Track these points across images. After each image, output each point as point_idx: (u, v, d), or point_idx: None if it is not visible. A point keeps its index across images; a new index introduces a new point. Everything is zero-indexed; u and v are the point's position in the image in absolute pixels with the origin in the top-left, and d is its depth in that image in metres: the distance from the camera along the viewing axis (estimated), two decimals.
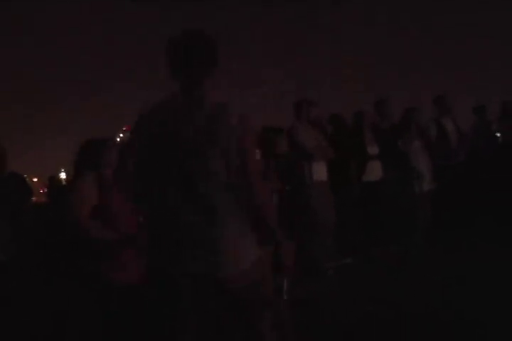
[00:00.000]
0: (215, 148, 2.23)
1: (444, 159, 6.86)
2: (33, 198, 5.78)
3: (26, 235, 3.14)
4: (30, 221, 3.50)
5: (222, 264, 2.19)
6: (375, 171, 6.37)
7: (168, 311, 2.24)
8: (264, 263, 2.36)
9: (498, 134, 8.05)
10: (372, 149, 6.42)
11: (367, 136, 6.47)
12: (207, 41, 2.34)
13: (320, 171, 5.83)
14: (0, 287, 2.67)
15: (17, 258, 2.80)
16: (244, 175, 2.26)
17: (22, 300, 2.88)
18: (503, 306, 4.10)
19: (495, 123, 7.90)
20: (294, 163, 5.69)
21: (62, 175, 12.88)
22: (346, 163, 6.17)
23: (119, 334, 2.96)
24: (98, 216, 3.14)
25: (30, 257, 3.05)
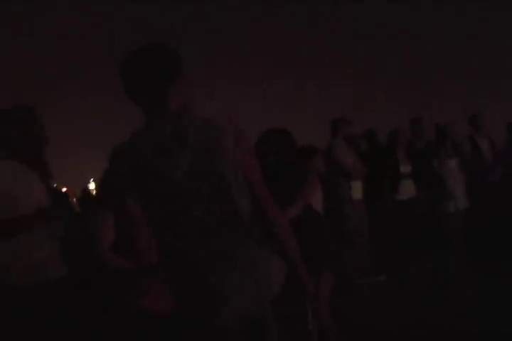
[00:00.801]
0: (214, 184, 1.94)
1: (480, 177, 6.84)
2: None
3: (74, 252, 3.19)
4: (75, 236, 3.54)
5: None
6: (407, 190, 6.39)
7: None
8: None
9: None
10: (406, 168, 6.43)
11: (400, 154, 6.48)
12: (159, 52, 2.03)
13: (356, 189, 5.87)
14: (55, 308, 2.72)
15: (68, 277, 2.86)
16: (255, 205, 2.00)
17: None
18: None
19: None
20: (332, 182, 5.73)
21: (92, 186, 12.93)
22: (379, 181, 6.19)
23: None
24: (120, 247, 3.19)
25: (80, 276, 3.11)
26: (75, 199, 9.27)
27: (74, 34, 12.94)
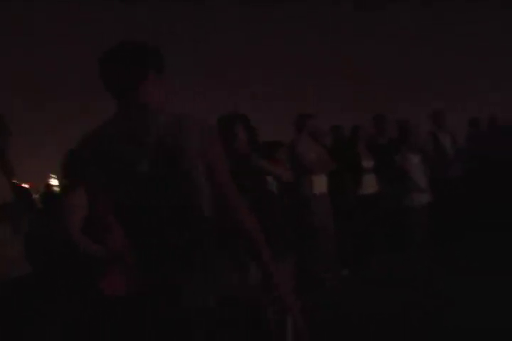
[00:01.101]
0: (178, 177, 1.96)
1: (441, 173, 6.97)
2: None
3: (38, 248, 3.16)
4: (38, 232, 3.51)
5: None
6: (370, 184, 6.48)
7: None
8: None
9: None
10: (368, 163, 6.51)
11: (362, 149, 6.56)
12: (131, 49, 2.08)
13: (320, 183, 5.91)
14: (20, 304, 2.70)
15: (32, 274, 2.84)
16: (222, 202, 2.01)
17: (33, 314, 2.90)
18: (497, 315, 4.18)
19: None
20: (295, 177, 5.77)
21: (54, 182, 12.79)
22: (342, 176, 6.24)
23: None
24: (89, 228, 3.14)
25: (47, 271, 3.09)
26: (37, 196, 9.13)
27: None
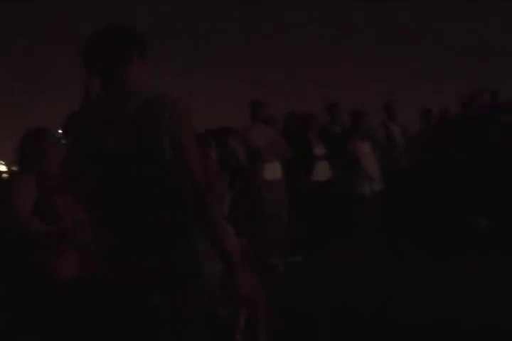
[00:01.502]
0: (146, 159, 1.94)
1: (391, 163, 7.11)
2: None
3: None
4: None
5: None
6: (323, 171, 6.52)
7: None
8: None
9: None
10: (319, 150, 6.56)
11: (314, 137, 6.62)
12: (118, 31, 2.11)
13: (273, 170, 5.94)
14: None
15: None
16: (188, 185, 1.90)
17: None
18: (444, 303, 4.28)
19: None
20: (246, 163, 5.80)
21: (2, 168, 12.49)
22: (294, 162, 6.30)
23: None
24: (38, 213, 3.11)
25: None
26: None
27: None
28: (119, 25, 2.12)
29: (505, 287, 4.52)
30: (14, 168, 3.72)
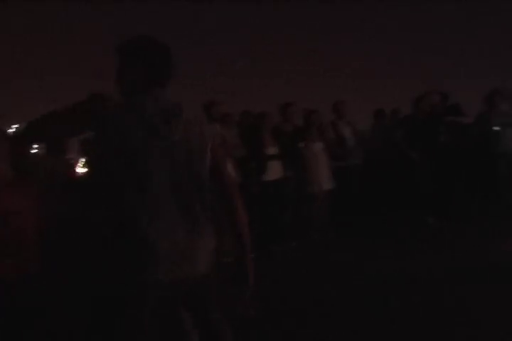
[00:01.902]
0: (192, 163, 2.26)
1: (340, 160, 7.20)
2: None
3: None
4: None
5: (195, 270, 2.31)
6: (274, 171, 6.52)
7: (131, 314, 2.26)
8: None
9: None
10: (272, 149, 6.58)
11: (266, 136, 6.66)
12: (159, 48, 2.27)
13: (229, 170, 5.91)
14: None
15: None
16: (224, 192, 2.42)
17: None
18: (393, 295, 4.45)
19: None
20: None
21: None
22: (246, 162, 6.32)
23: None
24: None
25: None
26: None
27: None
28: (159, 43, 2.28)
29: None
30: None
